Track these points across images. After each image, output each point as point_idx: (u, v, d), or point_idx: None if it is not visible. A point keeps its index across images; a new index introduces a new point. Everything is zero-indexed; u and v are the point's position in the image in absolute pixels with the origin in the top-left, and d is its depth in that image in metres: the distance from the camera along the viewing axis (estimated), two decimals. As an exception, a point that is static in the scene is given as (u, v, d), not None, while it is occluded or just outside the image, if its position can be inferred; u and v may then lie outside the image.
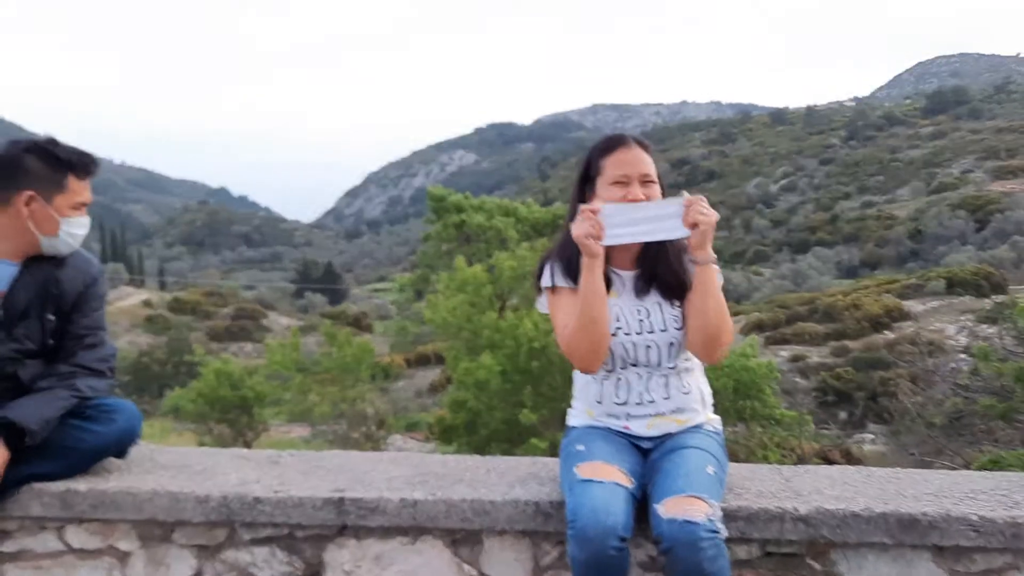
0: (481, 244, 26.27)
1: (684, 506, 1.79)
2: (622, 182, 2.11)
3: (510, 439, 13.03)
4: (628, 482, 1.91)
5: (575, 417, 2.24)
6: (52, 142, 2.18)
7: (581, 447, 2.04)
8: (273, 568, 2.11)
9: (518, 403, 12.42)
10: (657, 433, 2.10)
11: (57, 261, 2.21)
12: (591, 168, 2.17)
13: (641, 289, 2.15)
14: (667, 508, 1.81)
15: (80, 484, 2.14)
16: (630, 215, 2.03)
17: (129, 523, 2.13)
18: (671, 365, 2.13)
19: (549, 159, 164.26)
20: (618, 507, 1.82)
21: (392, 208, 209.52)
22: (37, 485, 2.12)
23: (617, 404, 2.13)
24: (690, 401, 2.15)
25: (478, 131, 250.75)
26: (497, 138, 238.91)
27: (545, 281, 2.19)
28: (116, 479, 2.19)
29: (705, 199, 2.07)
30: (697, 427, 2.13)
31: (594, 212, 2.00)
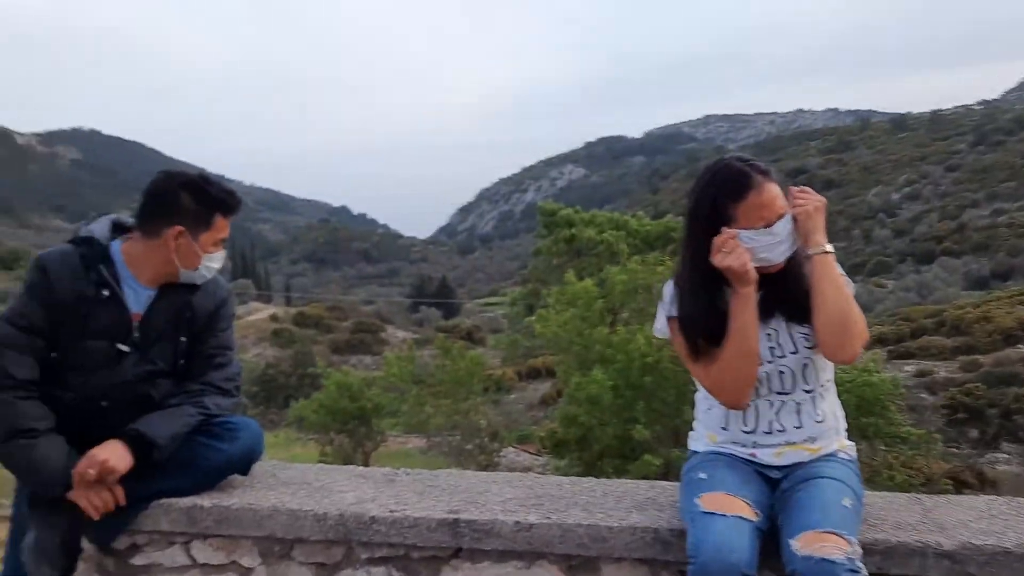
0: (592, 258, 26.15)
1: (821, 542, 1.67)
2: (767, 223, 1.95)
3: (623, 455, 12.85)
4: (754, 515, 1.80)
5: (697, 441, 2.14)
6: (205, 179, 2.25)
7: (703, 475, 1.94)
8: (389, 588, 2.11)
9: (631, 419, 12.25)
10: (787, 462, 1.98)
11: (191, 286, 2.29)
12: (717, 214, 1.96)
13: (766, 311, 2.01)
14: (802, 544, 1.69)
15: (205, 500, 2.20)
16: (763, 240, 1.93)
17: (251, 539, 2.17)
18: (807, 388, 1.99)
19: (659, 172, 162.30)
20: (742, 543, 1.71)
21: (503, 223, 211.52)
22: (165, 501, 2.20)
23: (744, 432, 2.02)
24: (824, 429, 2.01)
25: (588, 145, 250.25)
26: (606, 152, 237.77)
27: (658, 327, 2.11)
28: (239, 496, 2.24)
29: (809, 190, 1.96)
30: (831, 455, 2.00)
31: (733, 237, 1.91)
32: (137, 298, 2.22)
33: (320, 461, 21.06)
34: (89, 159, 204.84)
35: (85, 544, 2.27)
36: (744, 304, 1.92)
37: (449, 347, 22.00)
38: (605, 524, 2.02)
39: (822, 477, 1.89)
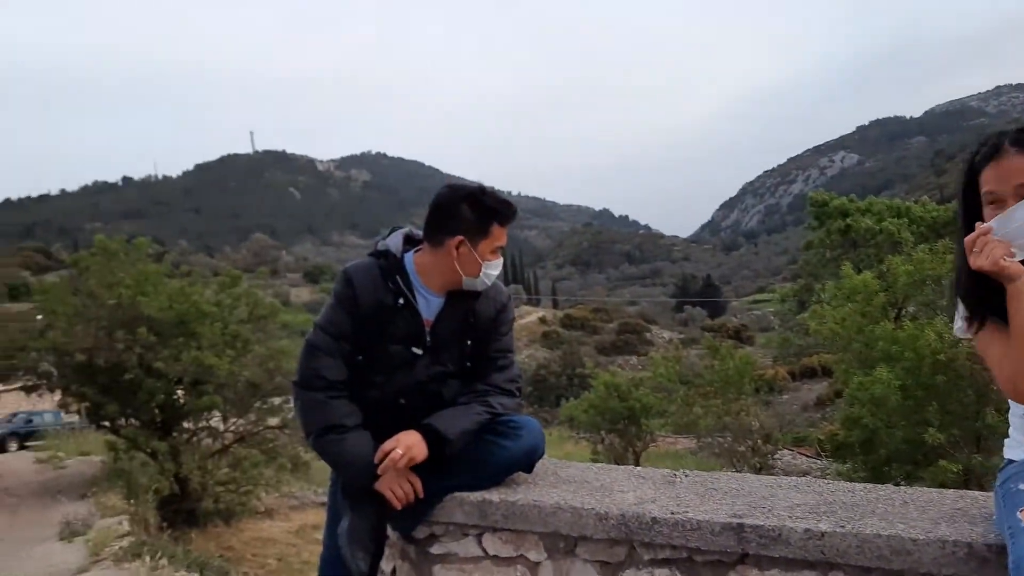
0: (869, 249, 24.34)
1: None
2: (993, 201, 1.74)
3: (914, 460, 11.81)
4: None
5: (1015, 448, 1.90)
6: (482, 191, 2.38)
7: None
8: (673, 591, 2.09)
9: (922, 421, 11.22)
10: None
11: (474, 293, 2.43)
12: (971, 185, 1.79)
13: None
14: None
15: (494, 495, 2.30)
16: (1011, 225, 1.68)
17: (536, 535, 2.24)
18: None
19: (944, 152, 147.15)
20: None
21: (769, 217, 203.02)
22: (458, 494, 2.33)
23: None
24: None
25: (860, 129, 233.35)
26: (882, 135, 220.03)
27: (957, 327, 1.89)
28: (524, 492, 2.33)
29: None
30: None
31: (987, 234, 1.69)
32: (428, 306, 2.39)
33: (592, 459, 21.49)
34: (376, 180, 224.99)
35: (390, 532, 2.48)
36: (1016, 301, 1.67)
37: (717, 347, 21.54)
38: (908, 536, 1.84)
39: None
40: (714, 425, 20.60)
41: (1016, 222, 1.68)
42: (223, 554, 13.53)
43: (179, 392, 15.58)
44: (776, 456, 21.89)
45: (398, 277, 2.36)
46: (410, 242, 2.49)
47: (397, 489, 2.26)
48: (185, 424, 16.36)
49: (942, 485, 10.54)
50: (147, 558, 6.83)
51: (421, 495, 2.29)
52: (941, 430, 10.70)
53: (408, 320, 2.35)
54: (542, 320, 62.31)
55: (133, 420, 15.66)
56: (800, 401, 33.77)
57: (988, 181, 1.74)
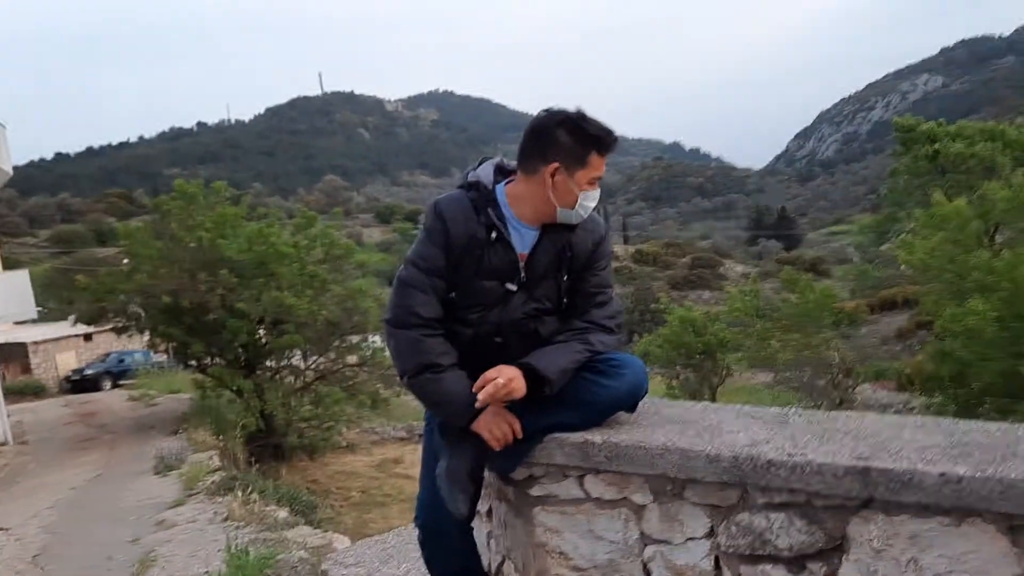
0: (960, 175, 23.21)
1: None
2: None
3: (1009, 394, 11.36)
4: None
5: None
6: (583, 117, 2.21)
7: None
8: (791, 536, 1.97)
9: (1019, 354, 10.74)
10: None
11: (570, 226, 2.29)
12: None
13: None
14: None
15: (596, 436, 2.21)
16: None
17: (642, 477, 2.14)
18: None
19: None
20: None
21: (847, 146, 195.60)
22: (559, 435, 2.24)
23: None
24: None
25: (944, 51, 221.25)
26: (969, 56, 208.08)
27: None
28: (627, 432, 2.23)
29: None
30: None
31: None
32: (522, 239, 2.27)
33: (666, 395, 21.39)
34: (445, 118, 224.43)
35: (486, 473, 2.42)
36: None
37: (796, 280, 21.03)
38: (1060, 481, 1.69)
39: None
40: (792, 359, 20.26)
41: None
42: (309, 487, 14.00)
43: (261, 331, 15.97)
44: (857, 391, 21.45)
45: (490, 209, 2.25)
46: (502, 173, 2.36)
47: (495, 429, 2.19)
48: (268, 363, 16.81)
49: (1039, 420, 10.17)
50: (239, 492, 7.04)
51: (520, 436, 2.21)
52: (1040, 363, 10.25)
53: (501, 254, 2.24)
54: (614, 256, 61.90)
55: (218, 359, 16.15)
56: (879, 334, 32.99)
57: None
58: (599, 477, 2.22)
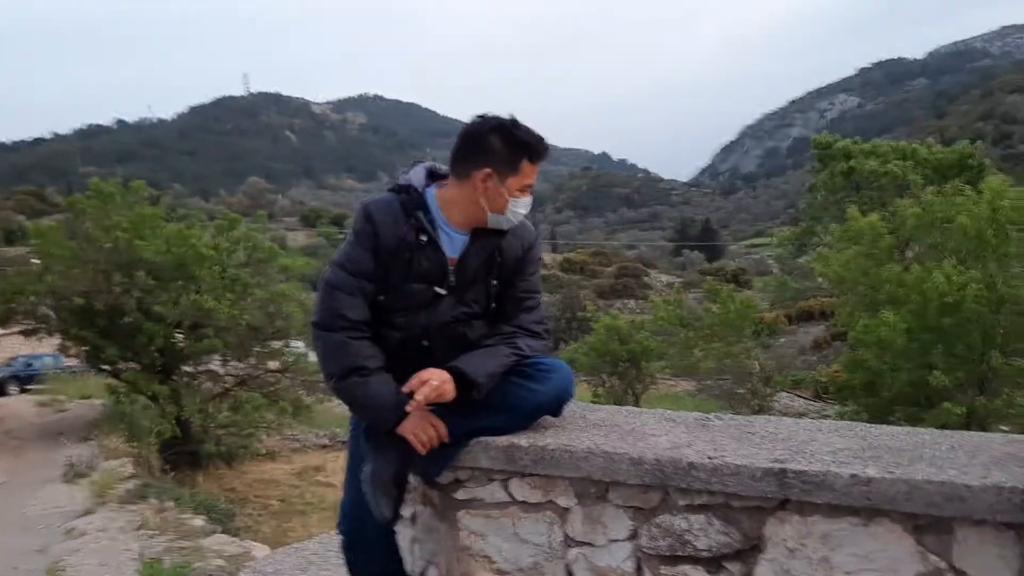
0: (874, 192, 24.12)
1: None
2: None
3: (917, 403, 11.85)
4: None
5: None
6: (515, 124, 2.23)
7: None
8: (710, 537, 2.02)
9: (927, 364, 11.23)
10: None
11: (501, 231, 2.30)
12: None
13: None
14: None
15: (522, 440, 2.22)
16: None
17: (567, 480, 2.16)
18: None
19: (946, 94, 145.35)
20: None
21: (768, 161, 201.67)
22: (484, 439, 2.25)
23: None
24: None
25: (862, 71, 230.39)
26: (884, 77, 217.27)
27: None
28: (553, 436, 2.24)
29: None
30: None
31: None
32: (452, 243, 2.27)
33: (592, 402, 21.61)
34: (373, 122, 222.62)
35: (412, 477, 2.40)
36: None
37: (719, 290, 21.54)
38: (961, 482, 1.77)
39: None
40: (714, 368, 20.73)
41: None
42: (227, 495, 13.66)
43: (179, 335, 15.53)
44: (775, 399, 22.07)
45: (420, 212, 2.24)
46: (434, 177, 2.36)
47: (421, 433, 2.17)
48: (185, 367, 16.35)
49: (944, 427, 10.61)
50: (152, 500, 6.83)
51: (446, 439, 2.21)
52: (946, 372, 10.70)
53: (431, 257, 2.24)
54: (542, 264, 62.29)
55: (133, 363, 15.63)
56: (797, 344, 34.01)
57: None
58: (524, 480, 2.23)
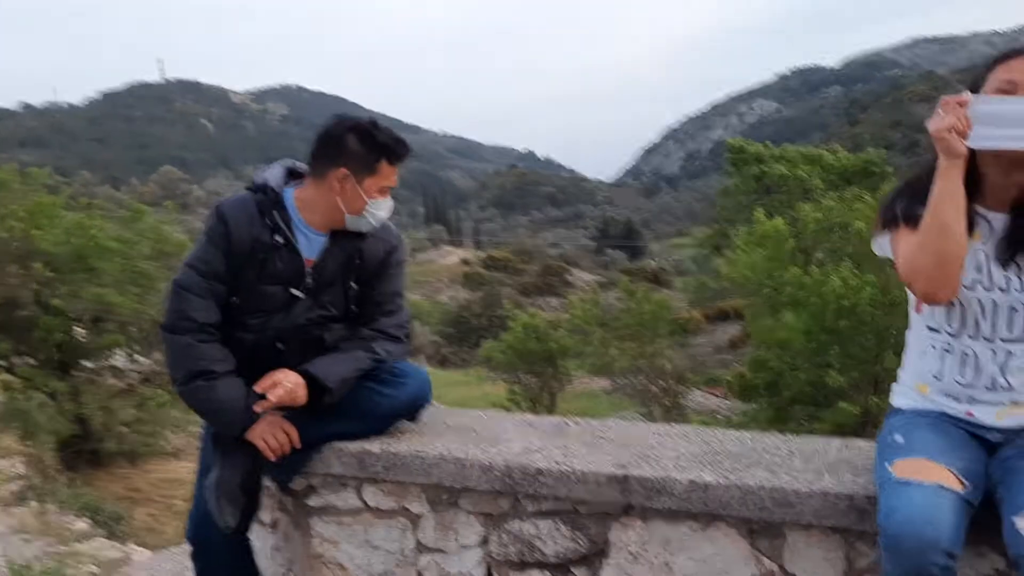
0: (782, 196, 24.88)
1: None
2: (1006, 90, 1.64)
3: (815, 402, 12.27)
4: (958, 485, 1.51)
5: (902, 395, 1.86)
6: (374, 125, 2.21)
7: (899, 438, 1.67)
8: (557, 543, 2.04)
9: (824, 364, 11.63)
10: (1010, 425, 1.67)
11: (361, 233, 2.27)
12: (976, 83, 1.72)
13: (1016, 236, 1.68)
14: None
15: (375, 446, 2.20)
16: (1010, 108, 1.59)
17: (419, 486, 2.16)
18: None
19: (859, 102, 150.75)
20: (943, 516, 1.45)
21: (690, 163, 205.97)
22: (337, 444, 2.22)
23: (960, 384, 1.71)
24: None
25: (781, 78, 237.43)
26: (801, 84, 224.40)
27: (886, 215, 1.81)
28: (407, 442, 2.23)
29: None
30: None
31: (961, 104, 1.60)
32: (310, 245, 2.23)
33: (509, 399, 21.70)
34: (295, 114, 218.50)
35: (268, 483, 2.35)
36: (942, 177, 1.61)
37: (633, 290, 21.89)
38: (792, 487, 1.82)
39: None
40: (629, 366, 21.03)
41: (991, 105, 1.61)
42: (130, 495, 13.21)
43: (79, 330, 14.96)
44: (688, 396, 22.52)
45: (276, 213, 2.19)
46: (294, 177, 2.31)
47: (271, 439, 2.13)
48: (86, 363, 15.76)
49: (840, 425, 10.99)
50: (32, 503, 6.55)
51: (298, 445, 2.17)
52: (842, 373, 11.10)
53: (287, 259, 2.19)
54: (464, 261, 62.21)
55: (29, 358, 14.99)
56: (714, 343, 34.79)
57: (1005, 71, 1.67)
58: (377, 487, 2.21)
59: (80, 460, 14.42)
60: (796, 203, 18.69)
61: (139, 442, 16.09)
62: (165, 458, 16.62)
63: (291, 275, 2.20)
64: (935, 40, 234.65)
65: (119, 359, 16.32)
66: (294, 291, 2.21)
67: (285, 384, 2.08)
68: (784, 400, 12.25)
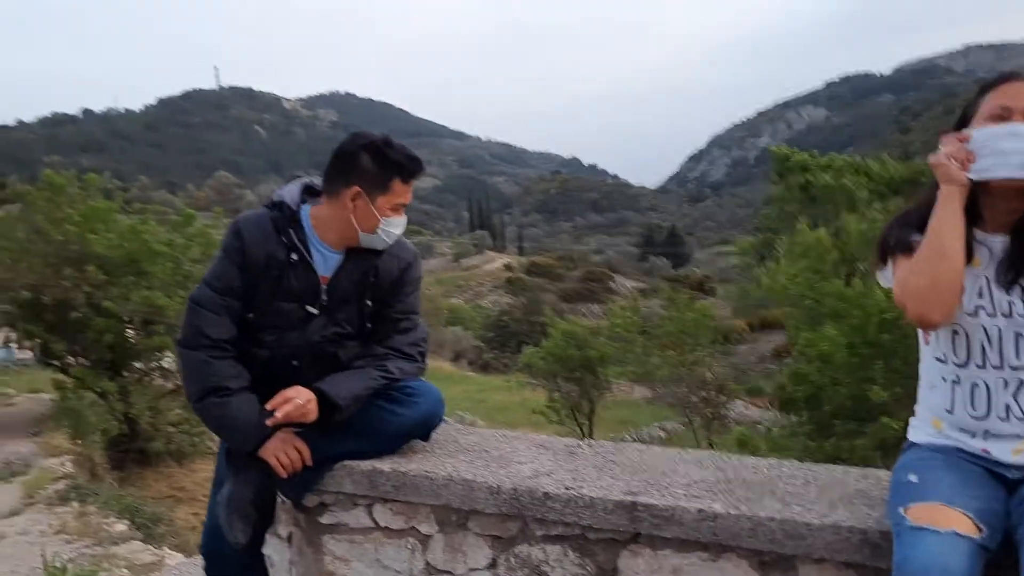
0: (827, 206, 24.37)
1: None
2: (1000, 116, 1.64)
3: (858, 416, 11.97)
4: (975, 531, 1.47)
5: (918, 430, 1.81)
6: (387, 143, 2.21)
7: (914, 478, 1.62)
8: (565, 568, 2.02)
9: (867, 379, 11.33)
10: None
11: (376, 251, 2.28)
12: (968, 110, 1.73)
13: (1017, 256, 1.64)
14: None
15: (385, 464, 2.20)
16: (1008, 143, 1.59)
17: (428, 507, 2.15)
18: None
19: (910, 110, 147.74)
20: (958, 564, 1.41)
21: (735, 170, 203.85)
22: (349, 463, 2.22)
23: (973, 417, 1.66)
24: None
25: (829, 85, 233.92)
26: (850, 91, 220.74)
27: (882, 247, 1.79)
28: (418, 462, 2.23)
29: None
30: None
31: (962, 140, 1.64)
32: (325, 262, 2.24)
33: (547, 407, 21.63)
34: (344, 120, 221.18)
35: (283, 498, 2.37)
36: (942, 202, 1.63)
37: (675, 297, 21.68)
38: (803, 520, 1.78)
39: None
40: (669, 375, 20.82)
41: (1001, 141, 1.61)
42: (175, 494, 13.45)
43: (129, 332, 15.29)
44: (729, 406, 22.20)
45: (291, 230, 2.21)
46: (312, 194, 2.33)
47: (283, 456, 2.15)
48: (136, 364, 16.10)
49: (883, 441, 10.72)
50: (75, 503, 6.70)
51: (309, 463, 2.18)
52: (885, 388, 10.81)
53: (302, 276, 2.21)
54: (507, 267, 62.32)
55: (82, 359, 15.37)
56: (757, 352, 34.32)
57: (998, 96, 1.68)
58: (387, 506, 2.21)
59: (128, 459, 14.75)
60: (842, 213, 18.31)
61: (185, 442, 16.40)
62: (210, 458, 16.92)
63: (306, 292, 2.22)
64: (990, 47, 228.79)
65: (167, 360, 16.66)
66: (309, 308, 2.23)
67: (296, 401, 2.10)
68: (825, 414, 11.99)
